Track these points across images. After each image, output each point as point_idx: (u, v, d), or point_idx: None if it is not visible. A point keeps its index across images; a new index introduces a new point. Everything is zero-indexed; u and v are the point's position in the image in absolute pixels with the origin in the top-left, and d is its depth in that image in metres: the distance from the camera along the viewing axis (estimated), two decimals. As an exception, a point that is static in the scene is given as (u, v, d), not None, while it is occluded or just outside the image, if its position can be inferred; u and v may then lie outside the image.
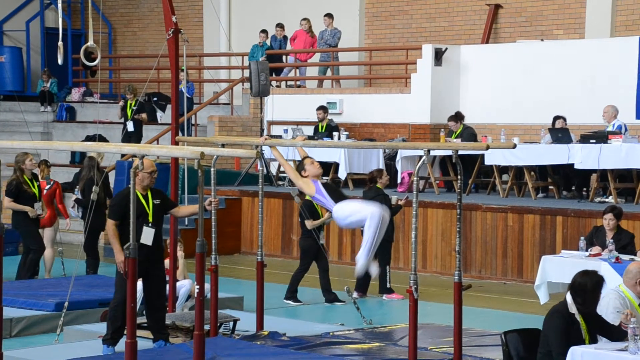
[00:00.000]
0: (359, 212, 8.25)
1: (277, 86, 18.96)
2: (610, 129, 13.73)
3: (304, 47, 18.84)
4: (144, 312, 8.65)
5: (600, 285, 6.50)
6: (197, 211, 7.62)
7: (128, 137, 16.86)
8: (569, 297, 6.50)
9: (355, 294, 11.23)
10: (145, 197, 8.25)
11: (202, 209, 7.12)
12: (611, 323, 6.56)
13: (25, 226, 11.90)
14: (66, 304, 9.38)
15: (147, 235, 8.21)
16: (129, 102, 17.20)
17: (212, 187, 8.43)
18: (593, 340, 6.52)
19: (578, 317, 6.47)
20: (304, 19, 18.80)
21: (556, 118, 14.36)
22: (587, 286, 6.45)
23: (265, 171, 15.59)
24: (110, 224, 8.17)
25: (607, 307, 6.58)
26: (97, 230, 12.11)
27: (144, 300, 8.59)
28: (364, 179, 12.94)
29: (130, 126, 16.81)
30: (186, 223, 14.91)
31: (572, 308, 6.46)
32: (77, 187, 12.80)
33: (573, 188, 14.13)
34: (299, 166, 8.85)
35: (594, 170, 13.43)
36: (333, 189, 8.78)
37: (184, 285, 10.07)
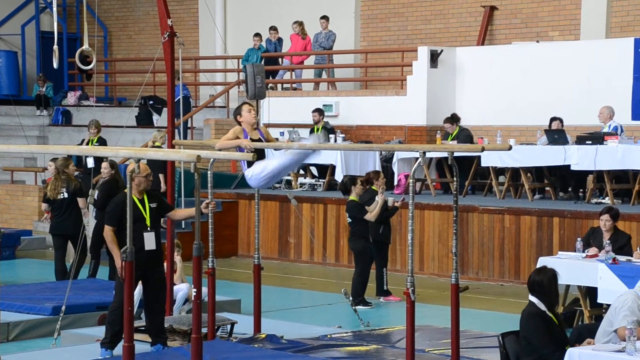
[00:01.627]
0: (271, 162, 8.08)
1: (273, 89, 18.97)
2: (606, 130, 13.75)
3: (297, 49, 18.85)
4: (143, 315, 8.63)
5: (556, 278, 6.69)
6: (194, 214, 7.62)
7: (87, 173, 15.48)
8: (534, 299, 6.60)
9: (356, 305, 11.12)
10: (142, 201, 8.24)
11: (198, 212, 7.12)
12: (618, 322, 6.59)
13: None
14: (63, 307, 9.37)
15: (148, 240, 8.21)
16: (91, 139, 15.57)
17: (208, 190, 8.43)
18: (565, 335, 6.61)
19: (549, 314, 6.56)
20: (295, 22, 18.82)
21: (553, 119, 14.37)
22: (545, 282, 6.62)
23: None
24: (108, 229, 8.16)
25: (622, 307, 6.59)
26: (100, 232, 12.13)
27: (144, 304, 8.57)
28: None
29: (90, 162, 15.22)
30: (183, 226, 14.91)
31: (542, 306, 6.56)
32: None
33: (569, 189, 14.14)
34: (236, 110, 8.66)
35: (590, 172, 13.45)
36: (258, 151, 8.48)
37: (181, 289, 10.07)
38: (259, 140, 8.55)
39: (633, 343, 6.07)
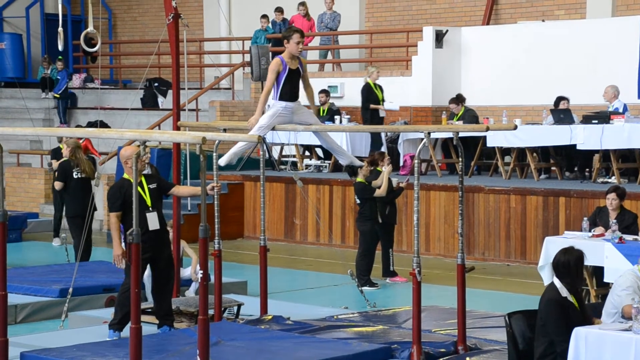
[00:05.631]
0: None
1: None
2: (611, 109, 13.71)
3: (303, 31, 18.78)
4: (151, 296, 8.65)
5: (582, 260, 6.50)
6: (198, 192, 7.62)
7: None
8: (557, 281, 6.49)
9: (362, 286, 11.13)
10: (140, 183, 8.24)
11: (204, 194, 7.11)
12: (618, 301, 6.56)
13: None
14: (70, 290, 9.41)
15: (151, 220, 8.24)
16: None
17: (214, 172, 8.43)
18: (586, 317, 6.53)
19: (570, 299, 6.47)
20: (301, 4, 18.76)
21: (560, 99, 14.31)
22: (571, 263, 6.45)
23: (266, 156, 15.57)
24: (112, 216, 8.19)
25: (620, 285, 6.57)
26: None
27: (152, 285, 8.58)
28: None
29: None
30: (189, 208, 14.93)
31: (563, 291, 6.44)
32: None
33: (575, 169, 14.12)
34: (286, 33, 8.58)
35: (597, 151, 13.42)
36: (294, 84, 8.52)
37: (188, 271, 10.15)
38: (297, 70, 8.53)
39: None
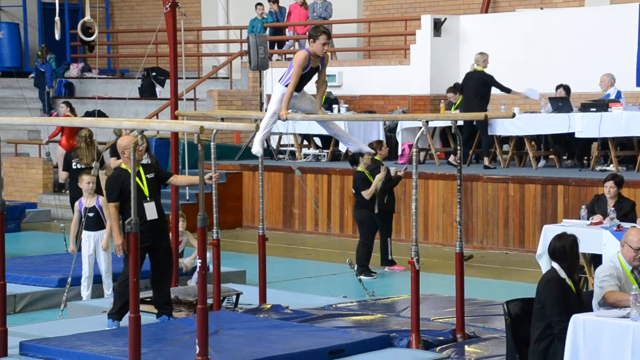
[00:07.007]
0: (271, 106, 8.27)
1: (277, 59, 18.90)
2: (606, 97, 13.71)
3: (299, 20, 18.76)
4: (151, 286, 8.66)
5: (577, 244, 6.58)
6: (196, 181, 7.62)
7: None
8: (555, 265, 6.55)
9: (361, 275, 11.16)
10: (138, 173, 8.23)
11: (202, 184, 7.11)
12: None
13: None
14: (69, 279, 9.41)
15: (149, 210, 8.24)
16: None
17: (212, 161, 8.42)
18: (583, 302, 6.56)
19: (568, 282, 6.52)
20: (298, -8, 18.76)
21: (559, 87, 14.30)
22: (566, 248, 6.52)
23: (265, 145, 15.57)
24: (110, 206, 8.21)
25: (599, 275, 6.60)
26: None
27: (150, 275, 8.59)
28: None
29: None
30: (187, 198, 14.93)
31: (562, 273, 6.52)
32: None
33: (574, 157, 14.11)
34: (313, 32, 8.31)
35: (595, 139, 13.42)
36: (306, 78, 8.30)
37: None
38: (317, 68, 8.33)
39: (638, 309, 6.07)
